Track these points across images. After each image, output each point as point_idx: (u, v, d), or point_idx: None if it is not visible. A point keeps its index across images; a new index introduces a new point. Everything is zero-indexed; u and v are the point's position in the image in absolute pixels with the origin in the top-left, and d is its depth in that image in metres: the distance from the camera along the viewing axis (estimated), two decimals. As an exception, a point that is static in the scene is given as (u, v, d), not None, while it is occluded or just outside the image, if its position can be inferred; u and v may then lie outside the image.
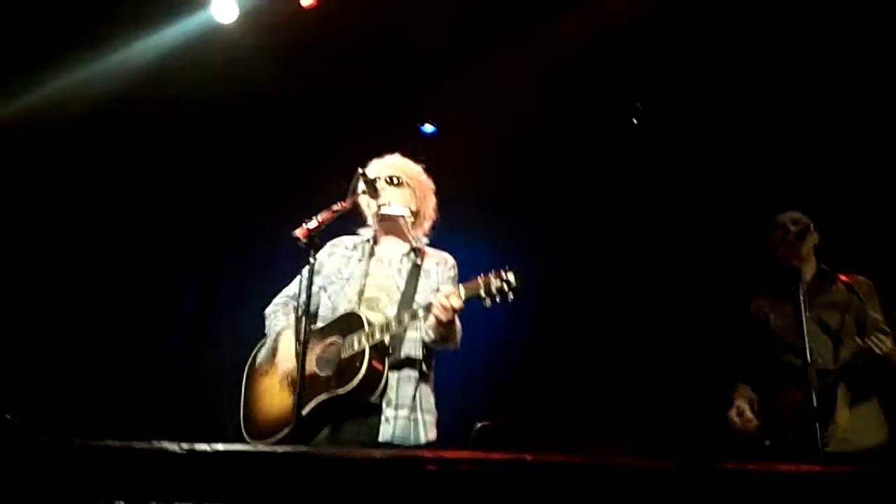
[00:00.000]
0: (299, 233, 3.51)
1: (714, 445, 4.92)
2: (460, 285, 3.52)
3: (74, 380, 5.82)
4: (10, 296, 5.74)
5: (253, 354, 4.04)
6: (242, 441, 3.79)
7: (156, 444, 1.98)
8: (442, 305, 3.49)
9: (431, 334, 3.71)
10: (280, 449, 1.99)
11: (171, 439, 2.03)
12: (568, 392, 5.84)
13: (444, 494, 1.99)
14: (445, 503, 1.98)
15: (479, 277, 3.47)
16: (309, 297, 3.47)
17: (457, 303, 3.49)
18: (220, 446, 1.99)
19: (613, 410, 5.61)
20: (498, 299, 3.41)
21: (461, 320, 3.74)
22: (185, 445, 1.98)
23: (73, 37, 5.65)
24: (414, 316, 3.59)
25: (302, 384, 3.30)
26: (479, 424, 3.94)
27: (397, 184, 4.00)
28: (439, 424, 3.83)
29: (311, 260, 3.51)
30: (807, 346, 3.99)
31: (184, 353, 6.38)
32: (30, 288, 5.86)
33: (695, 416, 5.37)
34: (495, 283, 3.39)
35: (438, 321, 3.55)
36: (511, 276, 3.39)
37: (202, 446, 2.00)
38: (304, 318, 3.42)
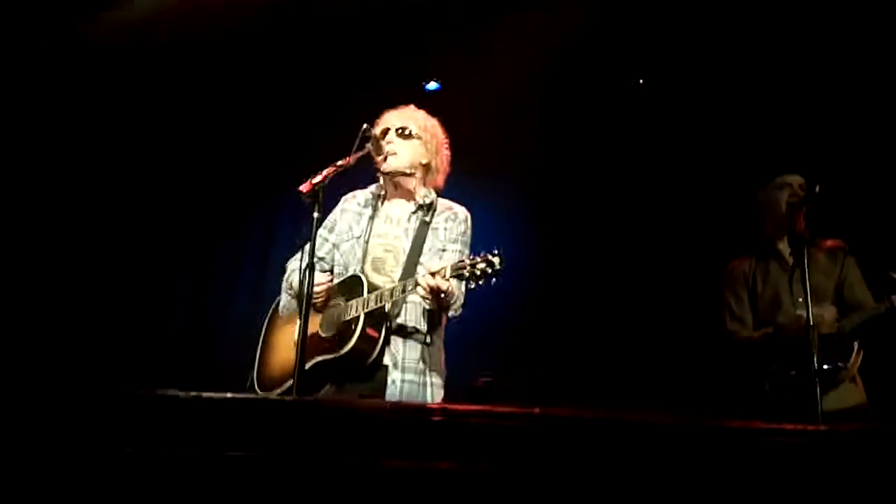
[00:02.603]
0: (303, 188, 3.49)
1: (713, 407, 4.96)
2: (447, 266, 3.47)
3: (81, 334, 5.83)
4: (22, 258, 5.75)
5: (273, 307, 4.03)
6: (254, 392, 3.81)
7: (163, 392, 1.99)
8: (428, 285, 3.44)
9: (426, 304, 3.69)
10: (288, 398, 1.99)
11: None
12: (569, 352, 5.86)
13: (450, 446, 1.99)
14: (451, 455, 1.98)
15: (464, 259, 3.44)
16: (313, 252, 3.44)
17: (443, 284, 3.43)
18: (226, 395, 2.00)
19: (615, 372, 5.64)
20: (482, 282, 3.39)
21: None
22: (192, 394, 1.98)
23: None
24: (404, 290, 3.57)
25: (304, 339, 3.30)
26: (481, 380, 3.96)
27: (406, 135, 3.91)
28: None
29: (315, 215, 3.49)
30: (810, 309, 4.00)
31: (187, 312, 6.38)
32: (40, 246, 5.87)
33: (695, 378, 5.41)
34: (480, 266, 3.37)
35: (424, 297, 3.53)
36: (496, 260, 3.34)
37: (209, 395, 2.00)
38: (308, 274, 3.41)
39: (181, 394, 1.99)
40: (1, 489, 1.93)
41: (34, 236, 5.88)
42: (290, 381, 3.57)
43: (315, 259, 3.73)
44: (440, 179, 4.01)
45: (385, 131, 3.89)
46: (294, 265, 3.99)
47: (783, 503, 1.98)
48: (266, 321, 4.02)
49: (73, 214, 6.06)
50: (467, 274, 3.38)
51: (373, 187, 4.04)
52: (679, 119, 6.14)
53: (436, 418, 1.99)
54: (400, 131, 3.91)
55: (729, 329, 4.69)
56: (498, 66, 5.96)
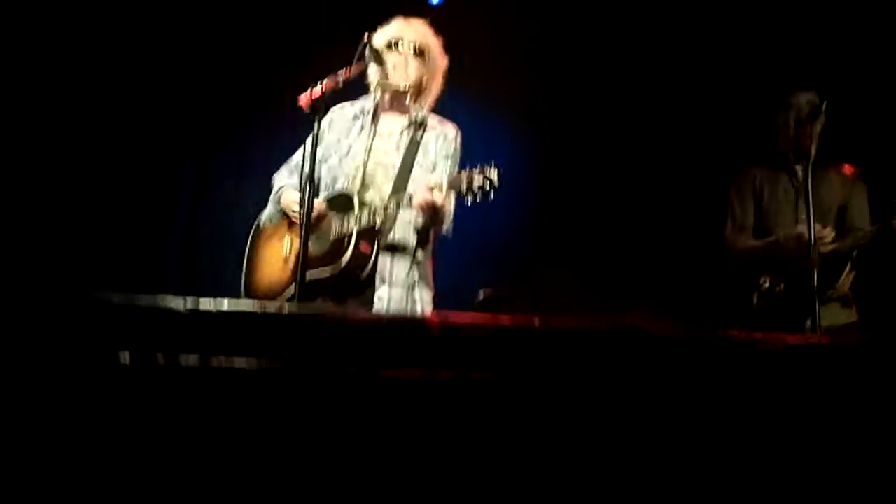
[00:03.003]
0: (302, 102, 3.46)
1: (715, 319, 4.97)
2: (444, 180, 3.48)
3: (76, 241, 5.81)
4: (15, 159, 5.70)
5: (257, 220, 4.01)
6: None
7: (160, 298, 1.97)
8: (425, 199, 3.49)
9: (418, 221, 3.69)
10: (285, 308, 1.98)
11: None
12: (571, 266, 5.86)
13: (449, 356, 1.98)
14: (450, 364, 1.97)
15: (462, 172, 3.45)
16: (313, 166, 3.42)
17: (438, 198, 3.47)
18: (224, 302, 1.98)
19: (616, 286, 5.65)
20: (479, 197, 3.38)
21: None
22: (189, 300, 1.97)
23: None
24: (398, 203, 3.56)
25: (305, 255, 3.29)
26: (480, 293, 4.00)
27: (414, 51, 3.87)
28: (440, 296, 3.84)
29: (315, 128, 3.46)
30: (812, 226, 3.98)
31: (184, 227, 6.35)
32: (34, 151, 5.81)
33: (695, 291, 5.41)
34: (477, 181, 3.37)
35: (420, 212, 3.57)
36: (493, 174, 3.36)
37: (206, 301, 1.98)
38: (308, 189, 3.39)
39: (179, 302, 1.98)
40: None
41: (29, 150, 5.83)
42: (283, 296, 3.63)
43: (303, 168, 3.71)
44: (432, 100, 3.98)
45: (394, 43, 3.82)
46: (280, 179, 3.97)
47: (782, 414, 1.99)
48: (249, 238, 4.00)
49: (71, 125, 5.99)
50: (465, 188, 3.38)
51: (363, 100, 3.99)
52: (689, 32, 6.01)
53: (434, 328, 1.98)
54: (409, 46, 3.85)
55: (727, 233, 4.75)
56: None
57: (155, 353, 1.90)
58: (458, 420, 1.95)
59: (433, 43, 3.95)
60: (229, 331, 1.99)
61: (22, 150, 5.73)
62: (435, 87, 3.98)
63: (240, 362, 1.94)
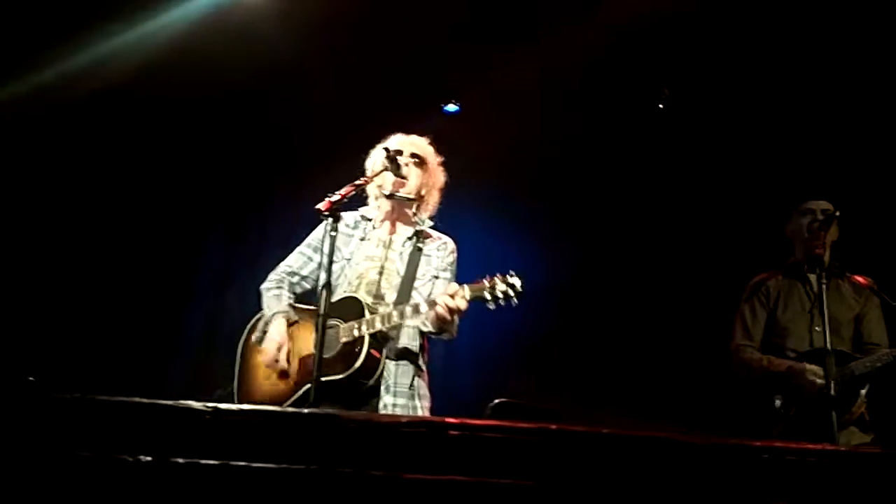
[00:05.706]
0: (322, 206, 3.51)
1: (727, 429, 4.91)
2: (465, 286, 3.51)
3: (93, 345, 5.85)
4: (34, 262, 5.78)
5: (248, 329, 3.96)
6: None
7: (181, 402, 1.99)
8: (447, 306, 3.48)
9: (430, 326, 3.71)
10: (305, 410, 1.99)
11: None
12: (582, 375, 5.84)
13: (466, 460, 1.98)
14: (467, 469, 1.97)
15: (484, 279, 3.48)
16: (330, 271, 3.45)
17: (462, 304, 3.49)
18: (245, 407, 2.00)
19: (628, 395, 5.62)
20: (502, 303, 3.42)
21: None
22: (209, 405, 1.98)
23: (100, 8, 5.67)
24: (416, 310, 3.58)
25: (320, 361, 3.26)
26: (494, 401, 3.94)
27: (419, 164, 3.98)
28: (451, 405, 3.83)
29: (333, 234, 3.51)
30: (827, 336, 3.96)
31: (200, 326, 6.38)
32: (53, 254, 5.91)
33: (707, 401, 5.38)
34: (500, 287, 3.41)
35: (441, 318, 3.55)
36: (517, 282, 3.40)
37: (226, 406, 2.00)
38: (325, 293, 3.40)
39: (199, 406, 1.99)
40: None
41: (52, 248, 5.93)
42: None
43: (297, 278, 3.79)
44: (431, 211, 4.09)
45: (399, 153, 3.92)
46: (269, 291, 3.97)
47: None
48: (241, 341, 3.95)
49: (90, 221, 6.11)
50: (487, 295, 3.41)
51: (363, 210, 4.07)
52: (704, 140, 6.13)
53: (453, 433, 1.99)
54: (413, 158, 3.95)
55: (737, 343, 4.69)
56: (515, 89, 5.99)
57: (174, 454, 1.91)
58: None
59: (430, 156, 4.08)
60: (248, 432, 2.00)
61: (42, 260, 5.84)
62: (432, 201, 4.08)
63: (260, 463, 1.94)
